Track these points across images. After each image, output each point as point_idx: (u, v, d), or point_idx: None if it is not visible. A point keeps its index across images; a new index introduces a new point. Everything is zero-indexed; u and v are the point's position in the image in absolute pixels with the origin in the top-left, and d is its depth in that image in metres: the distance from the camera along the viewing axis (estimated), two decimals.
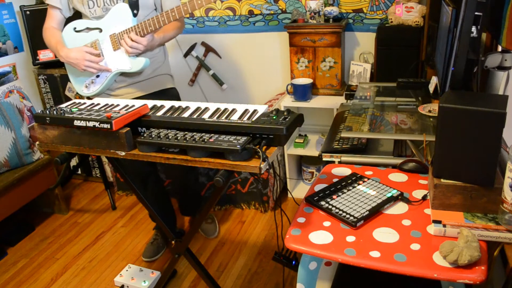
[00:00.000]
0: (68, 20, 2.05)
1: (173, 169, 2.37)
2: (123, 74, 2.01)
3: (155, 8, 2.01)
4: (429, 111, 1.79)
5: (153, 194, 2.33)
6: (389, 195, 1.29)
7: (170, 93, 2.17)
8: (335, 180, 1.43)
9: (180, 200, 2.60)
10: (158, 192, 2.37)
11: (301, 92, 2.62)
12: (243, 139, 1.20)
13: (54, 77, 2.98)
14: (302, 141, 2.76)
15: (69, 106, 1.47)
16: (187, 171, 2.36)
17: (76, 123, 1.33)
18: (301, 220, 1.24)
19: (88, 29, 1.96)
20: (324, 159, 1.69)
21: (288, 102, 2.69)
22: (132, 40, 1.82)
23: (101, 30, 1.93)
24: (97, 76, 1.98)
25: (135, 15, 1.85)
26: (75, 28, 1.99)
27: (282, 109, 2.03)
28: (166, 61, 2.18)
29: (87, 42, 1.96)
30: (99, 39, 1.94)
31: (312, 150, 2.74)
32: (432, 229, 1.13)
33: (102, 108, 1.45)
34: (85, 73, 1.99)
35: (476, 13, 1.20)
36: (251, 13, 2.91)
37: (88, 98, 2.11)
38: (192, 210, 2.60)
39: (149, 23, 1.80)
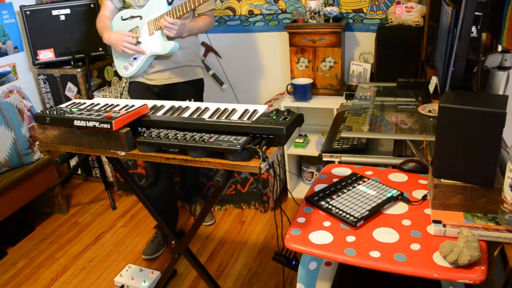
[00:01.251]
0: None
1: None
2: (158, 59, 2.20)
3: None
4: (429, 111, 1.79)
5: (163, 188, 2.37)
6: (389, 195, 1.29)
7: (201, 83, 2.39)
8: (335, 180, 1.43)
9: (182, 182, 2.74)
10: (167, 187, 2.40)
11: (301, 92, 2.62)
12: (243, 139, 1.20)
13: (54, 77, 2.98)
14: (302, 141, 2.76)
15: (69, 106, 1.47)
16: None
17: (76, 123, 1.33)
18: (301, 220, 1.24)
19: (132, 17, 2.21)
20: (324, 159, 1.69)
21: (288, 102, 2.69)
22: (169, 22, 2.01)
23: (141, 18, 2.17)
24: (134, 59, 2.20)
25: (169, 3, 2.05)
26: (122, 16, 2.25)
27: (282, 109, 2.03)
28: (198, 53, 2.37)
29: (130, 28, 2.21)
30: (139, 25, 2.18)
31: (312, 150, 2.74)
32: (432, 229, 1.13)
33: (102, 108, 1.45)
34: (125, 55, 2.22)
35: (476, 13, 1.20)
36: (251, 13, 2.91)
37: (129, 82, 2.34)
38: (191, 191, 2.73)
39: (178, 9, 2.02)
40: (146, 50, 2.14)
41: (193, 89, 2.31)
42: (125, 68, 2.24)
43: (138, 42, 2.15)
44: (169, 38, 2.12)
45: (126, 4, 2.33)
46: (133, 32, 2.16)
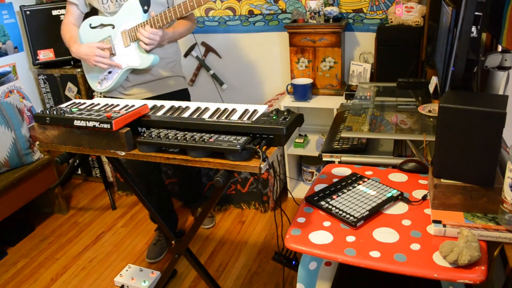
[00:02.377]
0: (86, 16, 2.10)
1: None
2: (135, 72, 2.03)
3: (167, 5, 2.02)
4: (429, 111, 1.79)
5: (157, 196, 2.35)
6: (389, 195, 1.29)
7: (182, 95, 2.19)
8: (335, 180, 1.43)
9: (182, 188, 2.67)
10: (161, 194, 2.38)
11: (301, 92, 2.62)
12: (243, 139, 1.20)
13: (54, 77, 2.98)
14: (302, 141, 2.76)
15: (69, 106, 1.47)
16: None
17: (76, 123, 1.33)
18: (301, 220, 1.24)
19: (102, 25, 1.99)
20: (324, 159, 1.69)
21: (288, 102, 2.69)
22: (149, 33, 1.82)
23: (113, 27, 1.96)
24: (109, 73, 2.01)
25: (145, 11, 1.87)
26: (90, 24, 2.02)
27: (282, 109, 2.03)
28: (178, 62, 2.19)
29: (101, 38, 1.99)
30: (112, 35, 1.96)
31: (312, 150, 2.74)
32: (432, 229, 1.13)
33: (102, 108, 1.45)
34: (98, 69, 2.02)
35: (476, 13, 1.20)
36: (251, 13, 2.91)
37: (104, 96, 2.14)
38: (193, 197, 2.66)
39: (157, 19, 1.82)
40: (122, 64, 1.95)
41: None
42: (99, 83, 2.05)
43: (112, 54, 1.96)
44: (148, 50, 1.92)
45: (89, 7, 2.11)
46: (105, 43, 1.96)
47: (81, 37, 2.04)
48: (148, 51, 1.91)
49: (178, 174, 2.70)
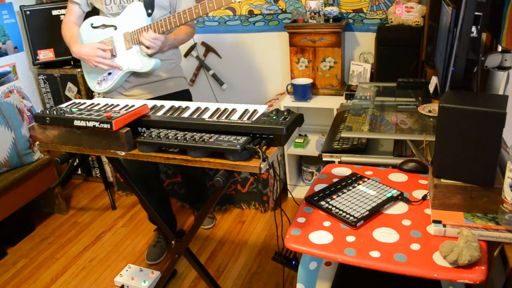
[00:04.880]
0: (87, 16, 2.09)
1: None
2: (136, 74, 2.01)
3: (170, 10, 2.02)
4: (429, 111, 1.79)
5: (156, 197, 2.34)
6: (389, 195, 1.29)
7: (183, 96, 2.19)
8: (335, 180, 1.43)
9: (187, 189, 2.69)
10: (160, 195, 2.37)
11: (301, 92, 2.62)
12: (243, 139, 1.20)
13: (54, 77, 2.98)
14: (302, 141, 2.76)
15: (69, 106, 1.47)
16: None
17: (76, 123, 1.33)
18: (301, 220, 1.24)
19: (104, 26, 1.97)
20: (324, 159, 1.69)
21: (288, 102, 2.69)
22: (151, 38, 1.82)
23: (116, 28, 1.95)
24: (109, 74, 1.99)
25: (149, 14, 1.86)
26: (92, 24, 2.00)
27: (282, 109, 2.03)
28: (179, 63, 2.19)
29: (102, 38, 1.97)
30: (114, 36, 1.95)
31: (312, 150, 2.74)
32: (432, 229, 1.13)
33: (102, 108, 1.45)
34: (97, 69, 2.00)
35: (476, 13, 1.20)
36: (251, 13, 2.91)
37: (104, 96, 2.12)
38: (198, 198, 2.65)
39: (161, 24, 1.81)
40: (123, 66, 1.94)
41: None
42: (98, 83, 2.03)
43: (113, 55, 1.95)
44: (150, 54, 1.91)
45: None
46: (106, 44, 1.94)
47: (82, 36, 2.03)
48: (149, 55, 1.90)
49: (183, 174, 2.67)
